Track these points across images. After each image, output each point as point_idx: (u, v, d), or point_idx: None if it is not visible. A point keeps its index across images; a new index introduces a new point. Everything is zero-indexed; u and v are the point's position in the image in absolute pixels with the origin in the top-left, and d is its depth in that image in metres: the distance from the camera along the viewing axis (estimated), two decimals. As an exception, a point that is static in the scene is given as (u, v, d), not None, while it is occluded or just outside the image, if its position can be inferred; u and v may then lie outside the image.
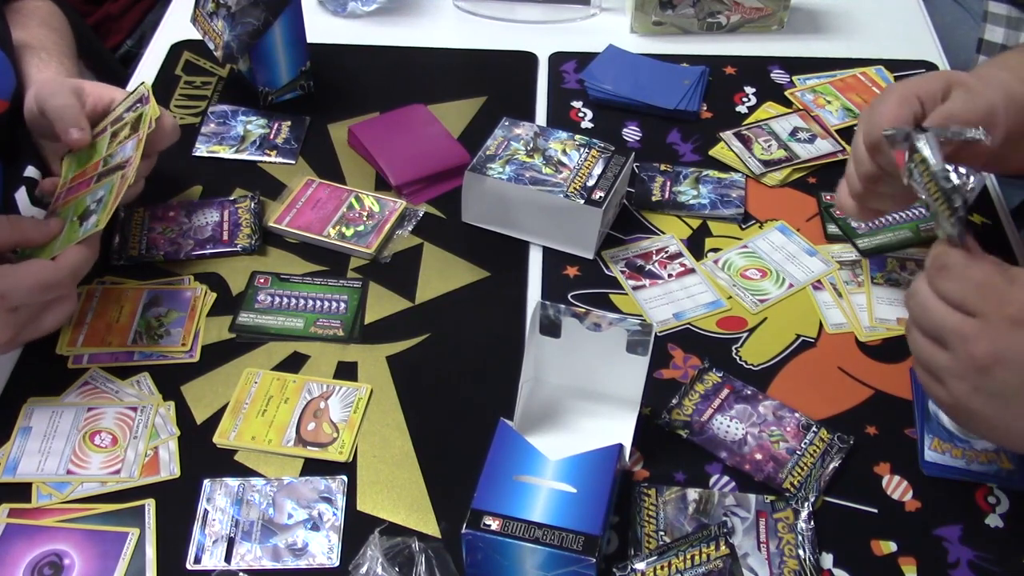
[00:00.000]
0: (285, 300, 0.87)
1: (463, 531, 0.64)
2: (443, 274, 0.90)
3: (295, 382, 0.80)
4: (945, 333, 0.64)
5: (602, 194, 0.88)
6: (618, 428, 0.74)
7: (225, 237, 0.92)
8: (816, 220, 0.95)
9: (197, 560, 0.69)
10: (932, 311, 0.65)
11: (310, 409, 0.78)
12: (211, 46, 1.04)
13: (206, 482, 0.73)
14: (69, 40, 1.04)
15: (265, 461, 0.75)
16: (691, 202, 0.96)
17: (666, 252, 0.92)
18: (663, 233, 0.94)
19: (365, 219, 0.93)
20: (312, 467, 0.75)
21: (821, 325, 0.86)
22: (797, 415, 0.78)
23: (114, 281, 0.88)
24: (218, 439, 0.76)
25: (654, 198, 0.97)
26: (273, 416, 0.78)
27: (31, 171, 0.92)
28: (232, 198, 0.96)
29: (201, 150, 1.02)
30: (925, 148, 0.67)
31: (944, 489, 0.74)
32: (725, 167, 1.01)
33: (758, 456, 0.75)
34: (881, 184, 0.78)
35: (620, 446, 0.70)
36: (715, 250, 0.92)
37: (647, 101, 1.07)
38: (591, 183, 0.89)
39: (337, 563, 0.69)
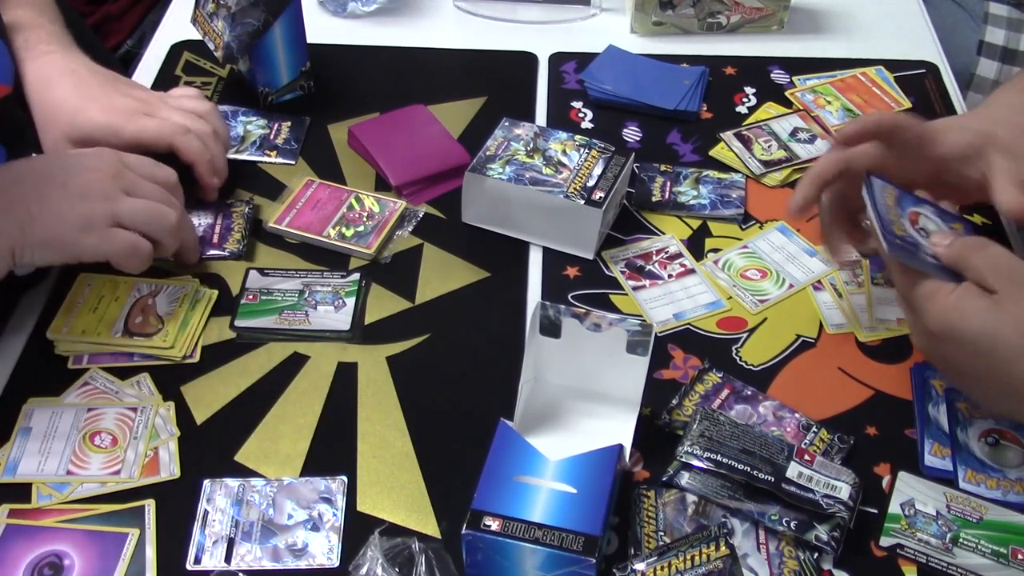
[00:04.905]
0: (285, 300, 0.87)
1: (463, 531, 0.64)
2: (443, 274, 0.90)
3: (126, 283, 0.86)
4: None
5: (602, 194, 0.88)
6: (618, 428, 0.74)
7: (215, 240, 0.91)
8: (816, 220, 0.95)
9: (197, 560, 0.69)
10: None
11: (139, 305, 0.84)
12: (211, 46, 1.04)
13: (206, 483, 0.73)
14: (52, 10, 1.01)
15: (266, 461, 0.75)
16: (691, 202, 0.96)
17: (666, 252, 0.92)
18: (663, 233, 0.94)
19: (365, 219, 0.93)
20: (312, 468, 0.75)
21: (821, 325, 0.86)
22: (797, 415, 0.78)
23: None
24: (51, 334, 0.82)
25: (654, 198, 0.96)
26: (104, 312, 0.84)
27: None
28: (228, 201, 0.95)
29: (201, 150, 1.02)
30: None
31: (944, 490, 0.74)
32: (725, 167, 1.01)
33: (758, 456, 0.75)
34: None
35: (620, 446, 0.70)
36: (715, 250, 0.92)
37: (647, 101, 1.07)
38: (591, 183, 0.89)
39: (337, 564, 0.69)
